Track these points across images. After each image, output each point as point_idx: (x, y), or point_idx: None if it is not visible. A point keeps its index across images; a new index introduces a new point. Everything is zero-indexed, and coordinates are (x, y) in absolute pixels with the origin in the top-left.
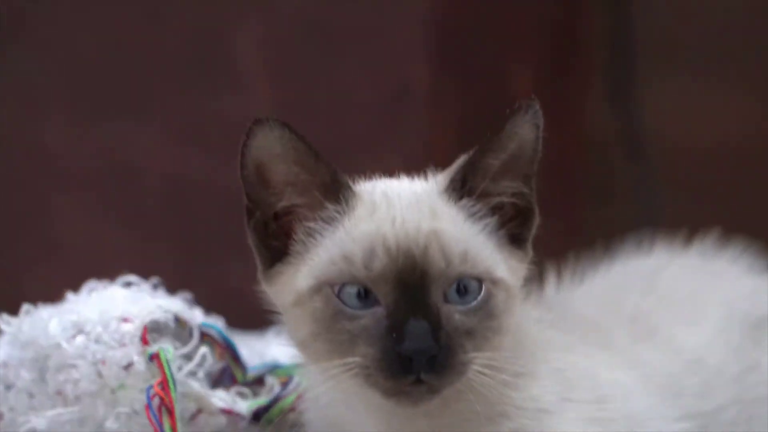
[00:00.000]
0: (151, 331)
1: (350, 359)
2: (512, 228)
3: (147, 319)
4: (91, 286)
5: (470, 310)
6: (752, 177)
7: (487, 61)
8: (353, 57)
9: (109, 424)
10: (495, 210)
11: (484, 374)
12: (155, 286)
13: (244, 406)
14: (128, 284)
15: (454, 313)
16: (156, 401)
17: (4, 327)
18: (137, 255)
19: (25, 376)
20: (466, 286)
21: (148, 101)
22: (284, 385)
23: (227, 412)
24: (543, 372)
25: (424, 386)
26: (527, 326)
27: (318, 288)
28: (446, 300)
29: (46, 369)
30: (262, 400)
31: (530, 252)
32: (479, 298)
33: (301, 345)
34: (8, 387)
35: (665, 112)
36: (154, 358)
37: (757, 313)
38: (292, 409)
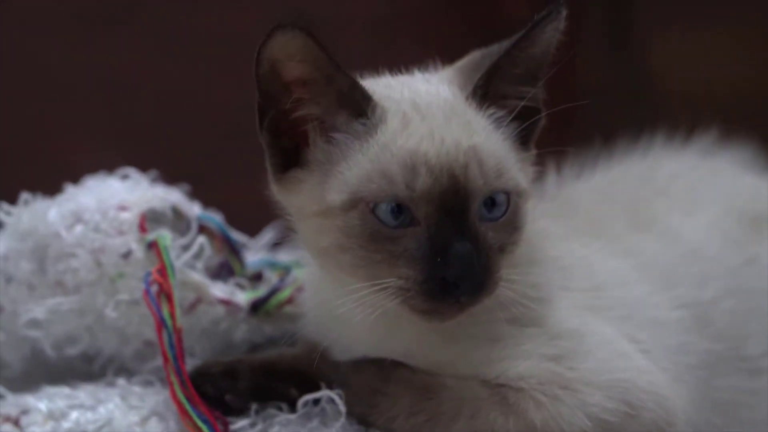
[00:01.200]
0: (150, 221)
1: (388, 280)
2: (522, 130)
3: (145, 207)
4: (89, 179)
5: (500, 225)
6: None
7: None
8: None
9: (109, 312)
10: (514, 114)
11: (507, 289)
12: (153, 180)
13: (243, 297)
14: (126, 177)
15: (488, 231)
16: (155, 288)
17: (3, 217)
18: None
19: (25, 267)
20: (494, 200)
21: (138, 17)
22: (281, 278)
23: (225, 303)
24: (540, 259)
25: (458, 305)
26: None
27: (353, 204)
28: (480, 218)
29: (46, 259)
30: (260, 291)
31: (534, 151)
32: (508, 211)
33: (322, 253)
34: (8, 280)
35: (666, 56)
36: (152, 246)
37: (756, 209)
38: (288, 301)
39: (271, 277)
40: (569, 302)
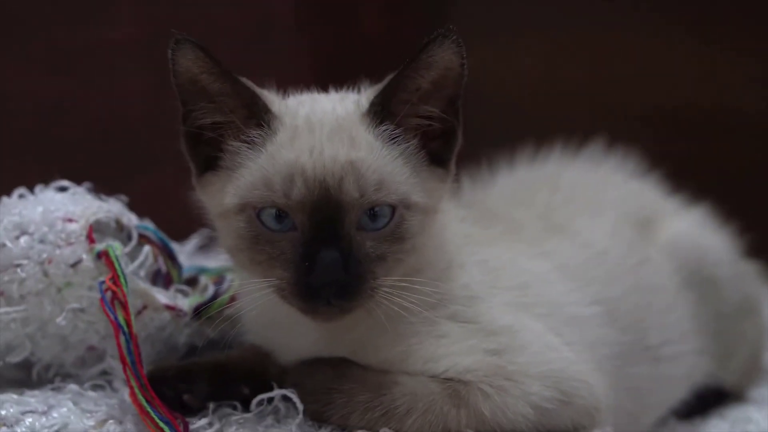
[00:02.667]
0: (95, 231)
1: (269, 279)
2: (435, 148)
3: (92, 219)
4: (20, 191)
5: (382, 236)
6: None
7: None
8: None
9: (59, 320)
10: (417, 132)
11: (391, 295)
12: (89, 190)
13: (185, 302)
14: (62, 188)
15: (366, 240)
16: (108, 295)
17: None
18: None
19: None
20: (377, 212)
21: (16, 31)
22: (216, 283)
23: (170, 308)
24: (469, 263)
25: (335, 308)
26: (452, 226)
27: (242, 208)
28: (360, 227)
29: None
30: (200, 296)
31: (453, 170)
32: (391, 223)
33: (228, 252)
34: None
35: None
36: (101, 255)
37: (643, 212)
38: (227, 305)
39: (207, 282)
40: (499, 300)
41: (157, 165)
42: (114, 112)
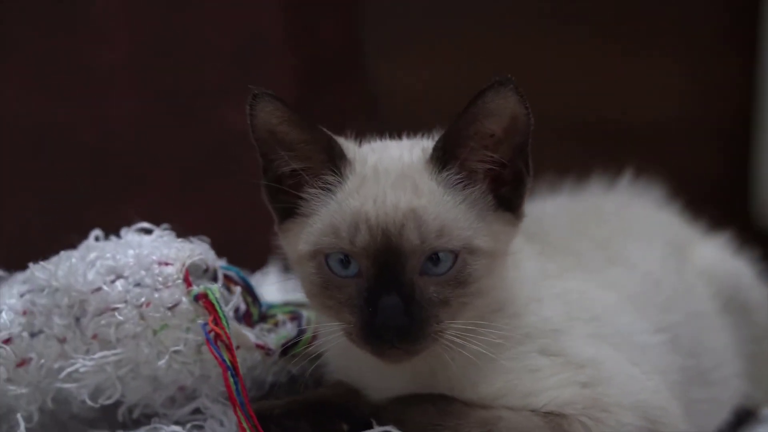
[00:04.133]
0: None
1: (338, 323)
2: (504, 193)
3: (188, 262)
4: (96, 233)
5: (445, 281)
6: None
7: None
8: (209, 5)
9: (161, 363)
10: (485, 177)
11: (454, 341)
12: (167, 233)
13: (272, 340)
14: (146, 230)
15: (429, 285)
16: (212, 336)
17: (39, 274)
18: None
19: (58, 322)
20: (440, 258)
21: (9, 51)
22: (293, 320)
23: (260, 347)
24: (547, 297)
25: (401, 350)
26: (528, 262)
27: (313, 255)
28: (422, 272)
29: (84, 314)
30: (286, 334)
31: (523, 214)
32: (453, 268)
33: (306, 297)
34: (33, 334)
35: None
36: (199, 298)
37: (677, 240)
38: (311, 342)
39: (283, 318)
40: (579, 332)
41: (148, 188)
42: (105, 134)
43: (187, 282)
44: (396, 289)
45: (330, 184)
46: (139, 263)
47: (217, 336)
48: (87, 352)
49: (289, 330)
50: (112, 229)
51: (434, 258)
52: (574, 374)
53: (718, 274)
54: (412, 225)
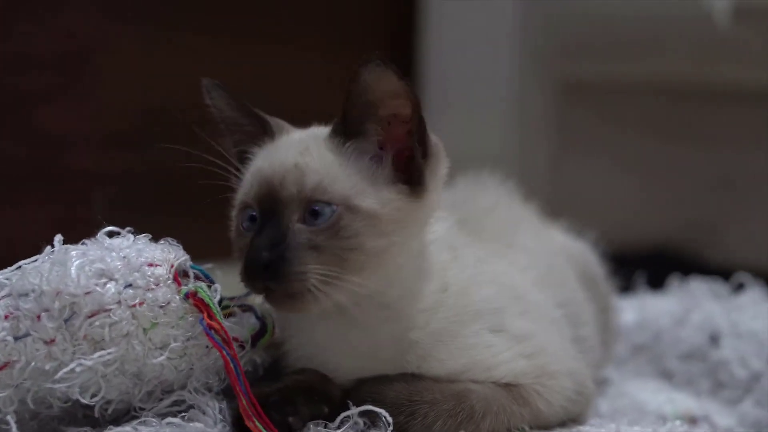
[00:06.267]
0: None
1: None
2: (405, 168)
3: (175, 263)
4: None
5: (320, 230)
6: None
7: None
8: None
9: (155, 361)
10: (384, 153)
11: (317, 286)
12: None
13: (243, 333)
14: (112, 234)
15: (305, 233)
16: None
17: (30, 279)
18: None
19: (48, 324)
20: (318, 210)
21: None
22: (244, 312)
23: (236, 340)
24: (483, 280)
25: (276, 292)
26: (464, 250)
27: (236, 215)
28: (303, 222)
29: (74, 316)
30: (251, 328)
31: (427, 191)
32: (329, 220)
33: None
34: (18, 338)
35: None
36: (189, 296)
37: (541, 226)
38: (273, 331)
39: (235, 310)
40: (513, 310)
41: None
42: None
43: (177, 281)
44: (271, 232)
45: (254, 154)
46: (130, 265)
47: (215, 330)
48: (74, 353)
49: (251, 322)
50: None
51: (314, 212)
52: (520, 348)
53: (573, 253)
54: (291, 177)
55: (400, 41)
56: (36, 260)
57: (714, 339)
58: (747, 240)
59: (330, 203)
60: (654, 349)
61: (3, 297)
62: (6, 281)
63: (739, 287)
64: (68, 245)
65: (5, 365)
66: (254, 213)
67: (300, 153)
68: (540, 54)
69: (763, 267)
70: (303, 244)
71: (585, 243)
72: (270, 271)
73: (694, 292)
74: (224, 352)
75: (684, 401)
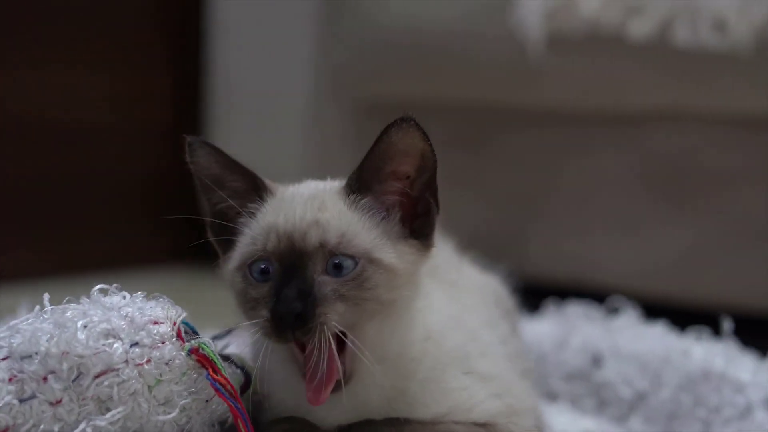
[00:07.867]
0: None
1: (256, 321)
2: (415, 224)
3: (178, 320)
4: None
5: (344, 281)
6: None
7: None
8: None
9: (161, 418)
10: (396, 209)
11: (333, 328)
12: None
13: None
14: (104, 290)
15: (329, 284)
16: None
17: (43, 343)
18: None
19: (55, 386)
20: (341, 263)
21: None
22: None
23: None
24: (450, 325)
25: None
26: (434, 295)
27: (239, 267)
28: (326, 273)
29: (82, 376)
30: (237, 377)
31: (433, 244)
32: (353, 272)
33: (235, 305)
34: (23, 400)
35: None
36: (192, 352)
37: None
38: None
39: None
40: (475, 352)
41: None
42: None
43: (181, 338)
44: (296, 284)
45: (255, 210)
46: (134, 324)
47: (222, 385)
48: (79, 413)
49: (236, 373)
50: None
51: (337, 264)
52: (490, 388)
53: (488, 284)
54: (314, 231)
55: (187, 57)
56: (28, 320)
57: (596, 361)
58: (548, 253)
59: (353, 257)
60: (538, 370)
61: (2, 359)
62: (3, 344)
63: (614, 311)
64: (64, 305)
65: (7, 429)
66: (266, 266)
67: (318, 209)
68: (338, 73)
69: (564, 279)
70: (327, 295)
71: (496, 276)
72: (300, 320)
73: (569, 316)
74: (234, 407)
75: (583, 422)
